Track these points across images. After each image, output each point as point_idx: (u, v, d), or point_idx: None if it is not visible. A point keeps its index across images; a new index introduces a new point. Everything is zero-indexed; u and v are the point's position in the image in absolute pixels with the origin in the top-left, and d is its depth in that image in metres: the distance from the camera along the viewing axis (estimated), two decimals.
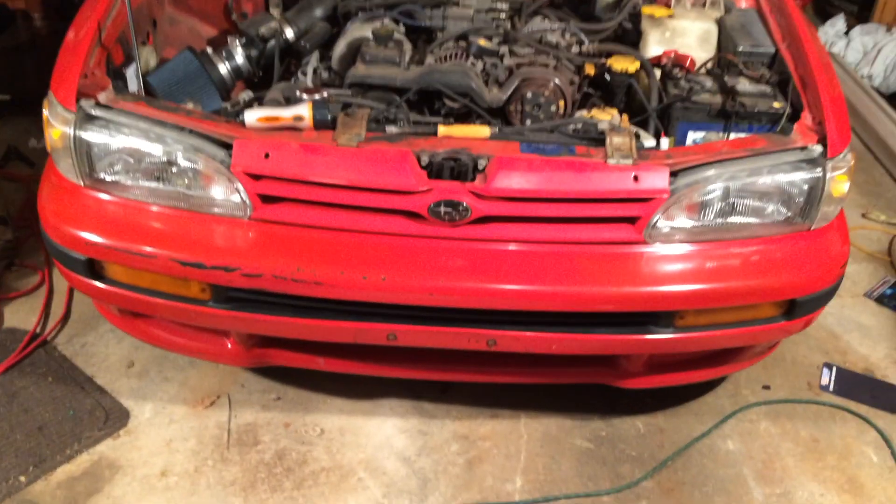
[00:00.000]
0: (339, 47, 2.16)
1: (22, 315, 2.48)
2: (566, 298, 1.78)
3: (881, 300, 2.80)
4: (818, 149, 1.81)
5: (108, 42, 1.95)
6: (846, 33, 4.32)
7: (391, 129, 1.82)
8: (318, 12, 2.30)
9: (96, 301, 2.14)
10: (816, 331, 2.65)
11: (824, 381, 2.46)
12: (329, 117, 1.80)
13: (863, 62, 4.14)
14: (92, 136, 1.79)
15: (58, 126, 1.81)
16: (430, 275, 1.76)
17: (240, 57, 2.18)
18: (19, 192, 2.99)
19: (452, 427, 2.24)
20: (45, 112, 1.85)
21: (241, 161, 1.74)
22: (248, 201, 1.77)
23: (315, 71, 2.16)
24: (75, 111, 1.78)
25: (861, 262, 3.00)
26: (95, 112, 1.78)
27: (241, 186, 1.76)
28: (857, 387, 2.45)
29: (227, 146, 1.75)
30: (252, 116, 1.78)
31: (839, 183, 1.84)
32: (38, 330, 2.43)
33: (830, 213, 1.89)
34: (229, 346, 2.06)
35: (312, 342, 2.03)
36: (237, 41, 2.20)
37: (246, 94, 2.02)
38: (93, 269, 1.86)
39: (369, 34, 2.10)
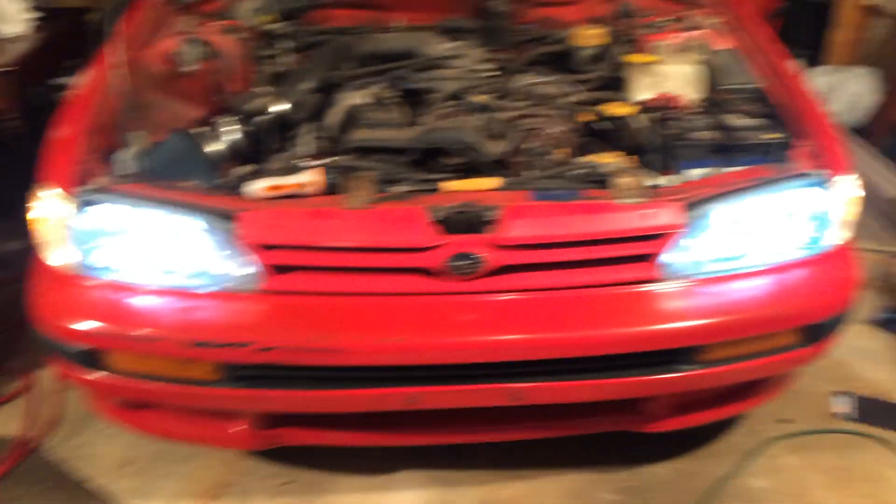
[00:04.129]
0: (335, 115, 2.15)
1: (10, 422, 2.34)
2: (589, 343, 1.74)
3: (880, 324, 2.82)
4: (824, 173, 1.83)
5: (97, 130, 1.91)
6: None
7: (398, 188, 1.80)
8: (307, 85, 2.29)
9: (92, 398, 2.03)
10: (821, 359, 2.64)
11: (842, 408, 2.44)
12: (336, 181, 1.78)
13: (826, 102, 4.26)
14: (91, 221, 1.73)
15: (52, 216, 1.75)
16: (450, 331, 1.71)
17: (232, 133, 2.14)
18: None
19: (473, 493, 2.15)
20: (35, 204, 1.79)
21: (250, 232, 1.69)
22: (258, 273, 1.72)
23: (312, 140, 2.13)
24: (74, 197, 1.72)
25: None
26: (94, 197, 1.72)
27: (250, 258, 1.71)
28: (875, 412, 2.43)
29: (232, 219, 1.71)
30: (258, 186, 1.75)
31: (847, 205, 1.86)
32: (28, 435, 2.29)
33: (841, 237, 1.90)
34: (239, 428, 1.95)
35: (325, 417, 1.94)
36: (229, 118, 2.17)
37: (241, 168, 1.99)
38: (94, 360, 1.77)
39: (366, 100, 2.10)
